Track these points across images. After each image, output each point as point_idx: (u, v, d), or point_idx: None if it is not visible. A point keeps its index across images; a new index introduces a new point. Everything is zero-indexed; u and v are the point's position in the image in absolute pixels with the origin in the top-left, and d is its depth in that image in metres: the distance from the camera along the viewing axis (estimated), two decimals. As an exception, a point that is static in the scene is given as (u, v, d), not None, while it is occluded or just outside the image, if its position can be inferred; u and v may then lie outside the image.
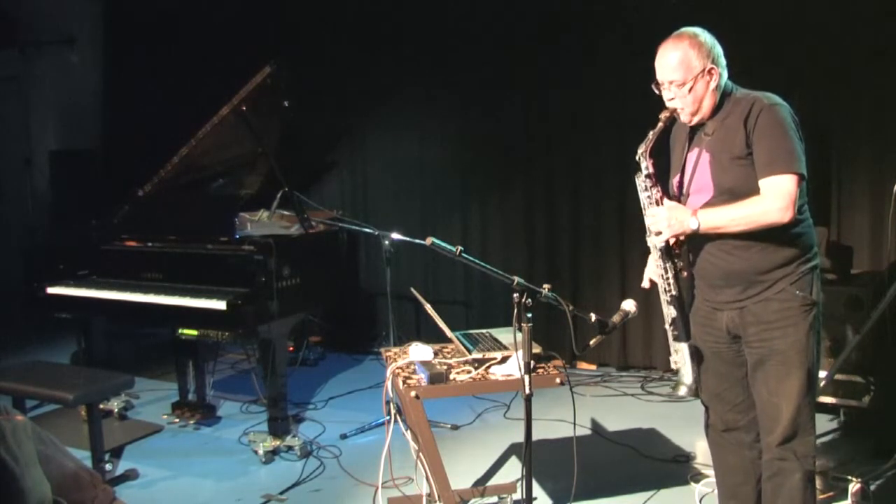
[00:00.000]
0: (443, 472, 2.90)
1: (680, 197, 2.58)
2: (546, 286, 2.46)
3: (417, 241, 3.18)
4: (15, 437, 1.84)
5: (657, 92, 2.52)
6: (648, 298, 4.13)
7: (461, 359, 2.94)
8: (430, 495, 3.12)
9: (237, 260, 3.84)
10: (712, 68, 2.43)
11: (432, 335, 3.38)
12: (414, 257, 5.62)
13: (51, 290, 4.24)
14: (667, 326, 2.62)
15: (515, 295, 2.40)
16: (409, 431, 3.14)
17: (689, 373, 2.59)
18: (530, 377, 2.40)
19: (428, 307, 3.05)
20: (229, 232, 3.96)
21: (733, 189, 2.41)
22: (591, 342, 2.56)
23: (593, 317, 2.54)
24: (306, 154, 5.97)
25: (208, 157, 4.22)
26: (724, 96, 2.48)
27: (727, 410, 2.65)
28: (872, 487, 3.21)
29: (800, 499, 2.46)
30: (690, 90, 2.43)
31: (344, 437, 4.15)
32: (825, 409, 3.94)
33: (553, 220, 5.36)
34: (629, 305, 2.61)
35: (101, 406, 3.85)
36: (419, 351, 3.01)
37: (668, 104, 2.50)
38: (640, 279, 2.76)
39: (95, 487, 2.12)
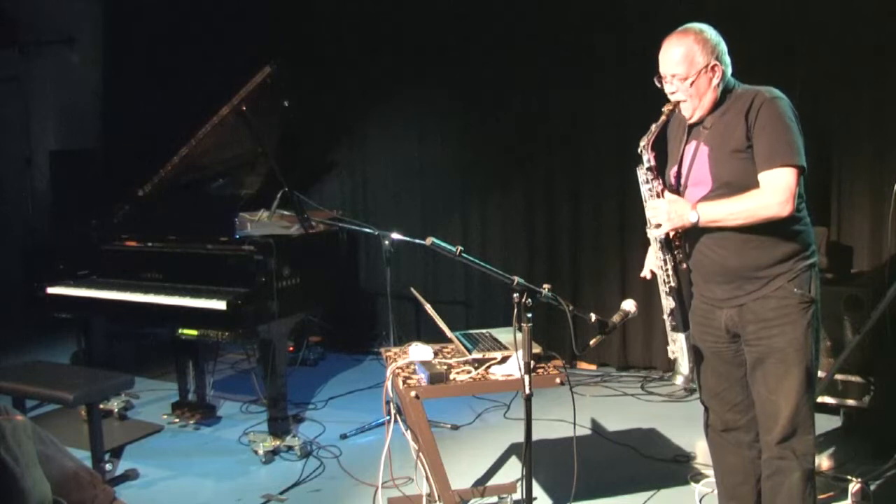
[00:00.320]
0: (443, 472, 2.90)
1: (678, 189, 2.58)
2: (546, 286, 2.46)
3: (417, 241, 3.19)
4: (15, 437, 1.84)
5: (659, 85, 2.52)
6: (648, 298, 4.16)
7: (461, 359, 2.94)
8: (430, 495, 3.12)
9: (237, 260, 3.84)
10: (716, 65, 2.43)
11: (432, 335, 3.38)
12: (414, 257, 5.62)
13: (51, 290, 4.23)
14: (665, 317, 2.62)
15: (515, 295, 2.40)
16: (409, 431, 3.14)
17: (685, 363, 2.60)
18: (530, 377, 2.40)
19: (428, 307, 3.05)
20: (229, 232, 3.96)
21: (731, 182, 2.41)
22: (591, 342, 2.56)
23: (593, 317, 2.55)
24: (306, 154, 5.97)
25: (208, 157, 4.22)
26: (725, 92, 2.48)
27: (726, 410, 2.65)
28: (872, 487, 3.21)
29: (799, 497, 2.46)
30: (693, 85, 2.44)
31: (344, 437, 4.15)
32: (825, 409, 3.94)
33: (553, 220, 5.36)
34: (629, 305, 2.61)
35: (101, 406, 3.84)
36: (419, 351, 3.01)
37: (669, 97, 2.50)
38: (641, 279, 2.77)
39: (95, 487, 2.12)
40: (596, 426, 4.23)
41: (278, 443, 3.89)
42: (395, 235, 4.20)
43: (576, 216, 5.28)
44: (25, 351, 5.47)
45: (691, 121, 2.54)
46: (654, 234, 2.56)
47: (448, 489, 2.93)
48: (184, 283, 3.94)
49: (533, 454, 2.47)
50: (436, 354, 3.03)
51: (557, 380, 2.79)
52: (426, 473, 3.00)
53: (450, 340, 3.12)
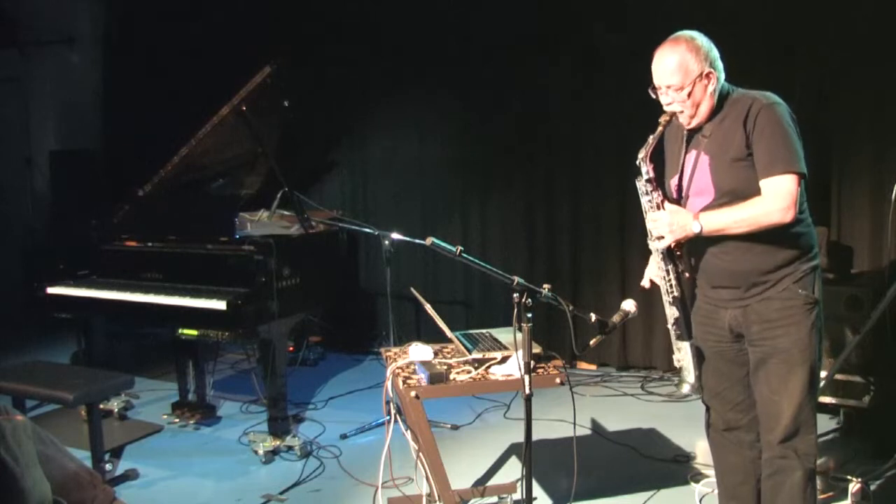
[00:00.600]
0: (443, 472, 2.90)
1: (679, 199, 2.57)
2: (546, 286, 2.46)
3: (417, 241, 3.19)
4: (15, 437, 1.84)
5: (654, 97, 2.51)
6: (648, 298, 4.14)
7: (461, 359, 2.94)
8: (430, 495, 3.12)
9: (237, 260, 3.84)
10: (710, 72, 2.42)
11: (432, 335, 3.38)
12: (414, 257, 5.61)
13: (51, 290, 4.23)
14: (669, 326, 2.62)
15: (515, 295, 2.40)
16: (409, 431, 3.14)
17: (692, 371, 2.60)
18: (530, 377, 2.40)
19: (428, 307, 3.05)
20: (229, 232, 3.96)
21: (734, 191, 2.40)
22: (591, 342, 2.56)
23: (593, 317, 2.55)
24: (306, 154, 5.97)
25: (208, 157, 4.22)
26: (721, 98, 2.47)
27: (728, 410, 2.65)
28: (872, 487, 3.21)
29: (800, 497, 2.46)
30: (689, 94, 2.42)
31: (344, 437, 4.15)
32: (825, 409, 3.94)
33: (553, 220, 5.36)
34: (629, 305, 2.61)
35: (101, 406, 3.84)
36: (419, 351, 3.01)
37: (666, 108, 2.49)
38: (640, 279, 2.76)
39: (95, 487, 2.12)
40: (596, 426, 4.23)
41: (278, 443, 3.89)
42: (395, 235, 4.20)
43: (576, 216, 5.28)
44: (25, 351, 5.47)
45: (690, 128, 2.53)
46: (656, 247, 2.55)
47: (448, 489, 2.93)
48: (184, 283, 3.94)
49: (533, 454, 2.47)
50: (436, 354, 3.03)
51: (557, 380, 2.79)
52: (426, 473, 3.00)
53: (450, 340, 3.12)
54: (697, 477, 3.51)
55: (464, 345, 3.05)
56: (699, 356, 2.62)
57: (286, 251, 3.87)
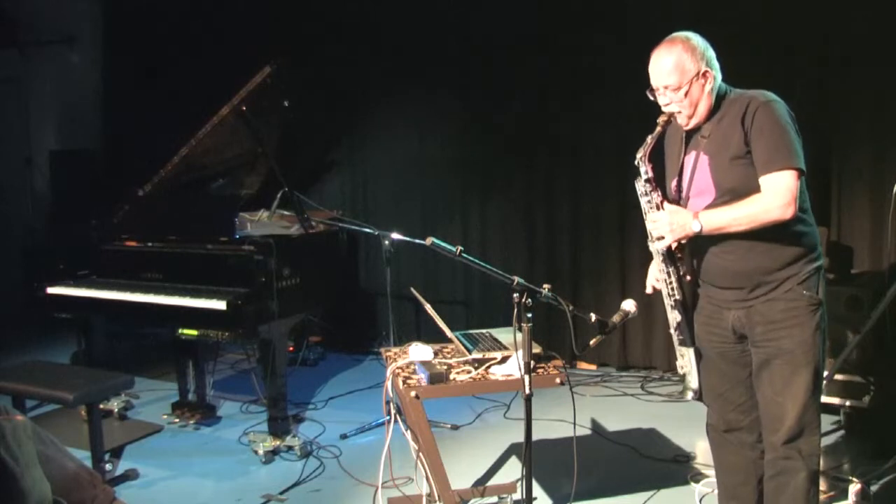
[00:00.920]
0: (443, 472, 2.90)
1: (679, 200, 2.57)
2: (546, 286, 2.46)
3: (417, 241, 3.19)
4: (15, 437, 1.84)
5: (652, 98, 2.51)
6: (648, 298, 4.11)
7: (461, 359, 2.94)
8: (430, 495, 3.12)
9: (237, 260, 3.84)
10: (707, 71, 2.43)
11: (432, 335, 3.38)
12: (414, 257, 5.61)
13: (51, 290, 4.23)
14: (672, 331, 2.61)
15: (515, 295, 2.40)
16: (409, 431, 3.14)
17: (695, 377, 2.59)
18: (530, 377, 2.40)
19: (428, 307, 3.05)
20: (229, 232, 3.96)
21: (735, 189, 2.40)
22: (591, 342, 2.56)
23: (593, 317, 2.55)
24: (306, 154, 5.97)
25: (208, 157, 4.22)
26: (718, 98, 2.47)
27: (729, 410, 2.65)
28: (873, 487, 3.21)
29: (803, 498, 2.46)
30: (686, 94, 2.43)
31: (344, 437, 4.15)
32: (825, 409, 3.91)
33: (553, 220, 5.36)
34: (629, 305, 2.61)
35: (101, 406, 3.84)
36: (419, 351, 3.01)
37: (664, 109, 2.49)
38: (641, 279, 2.77)
39: (95, 487, 2.12)
40: (596, 426, 4.23)
41: (278, 443, 3.89)
42: (395, 235, 4.20)
43: (576, 216, 5.28)
44: (25, 351, 5.47)
45: (688, 128, 2.53)
46: (656, 248, 2.55)
47: (448, 489, 2.93)
48: (184, 283, 3.94)
49: (533, 454, 2.47)
50: (436, 354, 3.03)
51: (557, 380, 2.79)
52: (426, 473, 3.00)
53: (450, 340, 3.12)
54: (697, 477, 3.51)
55: (464, 345, 3.05)
56: (699, 354, 2.62)
57: (286, 251, 3.87)
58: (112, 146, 6.85)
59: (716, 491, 2.89)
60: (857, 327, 3.70)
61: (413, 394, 2.72)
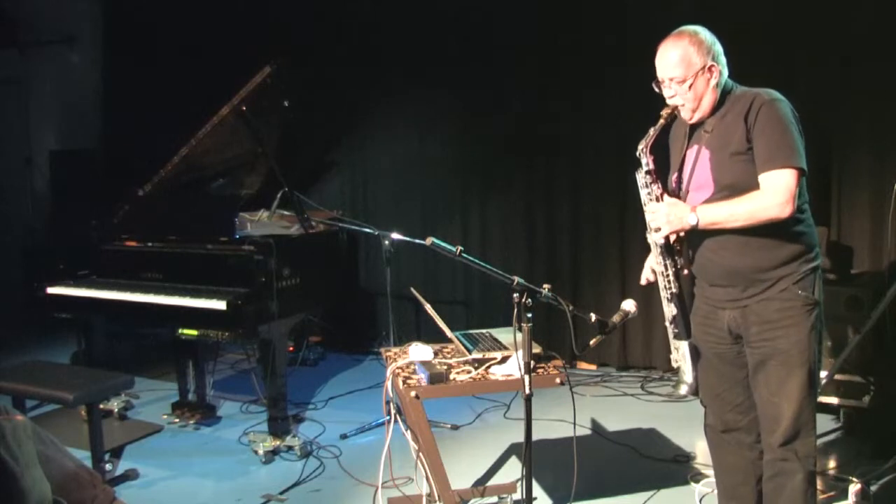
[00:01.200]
0: (443, 472, 2.90)
1: (679, 194, 2.57)
2: (546, 286, 2.46)
3: (417, 241, 3.19)
4: (15, 437, 1.84)
5: (657, 90, 2.52)
6: (648, 298, 4.16)
7: (461, 359, 2.94)
8: (430, 495, 3.12)
9: (237, 260, 3.84)
10: (712, 65, 2.43)
11: (432, 335, 3.38)
12: (414, 257, 5.61)
13: (51, 290, 4.23)
14: (667, 324, 2.62)
15: (515, 295, 2.40)
16: (409, 431, 3.14)
17: (689, 371, 2.59)
18: (530, 377, 2.40)
19: (428, 307, 3.05)
20: (229, 232, 3.96)
21: (734, 185, 2.40)
22: (591, 342, 2.56)
23: (593, 317, 2.54)
24: (306, 154, 5.97)
25: (208, 157, 4.22)
26: (724, 94, 2.48)
27: (727, 411, 2.65)
28: (872, 487, 3.21)
29: (801, 499, 2.46)
30: (691, 87, 2.44)
31: (344, 437, 4.15)
32: (825, 409, 3.94)
33: (553, 220, 5.36)
34: (629, 305, 2.61)
35: (101, 406, 3.84)
36: (419, 351, 3.01)
37: (668, 101, 2.50)
38: (640, 279, 2.76)
39: (95, 487, 2.12)
40: (596, 426, 4.23)
41: (278, 443, 3.89)
42: (395, 235, 4.20)
43: (576, 216, 5.28)
44: (25, 351, 5.47)
45: (691, 122, 2.53)
46: (654, 239, 2.56)
47: (448, 489, 2.93)
48: (184, 283, 3.94)
49: (533, 454, 2.47)
50: (436, 354, 3.03)
51: (557, 380, 2.79)
52: (426, 473, 3.00)
53: (450, 340, 3.12)
54: (697, 477, 3.51)
55: (464, 345, 3.05)
56: (696, 356, 2.62)
57: (286, 251, 3.87)
58: (112, 146, 6.84)
59: (715, 491, 2.89)
60: (857, 327, 3.70)
61: (413, 394, 2.72)
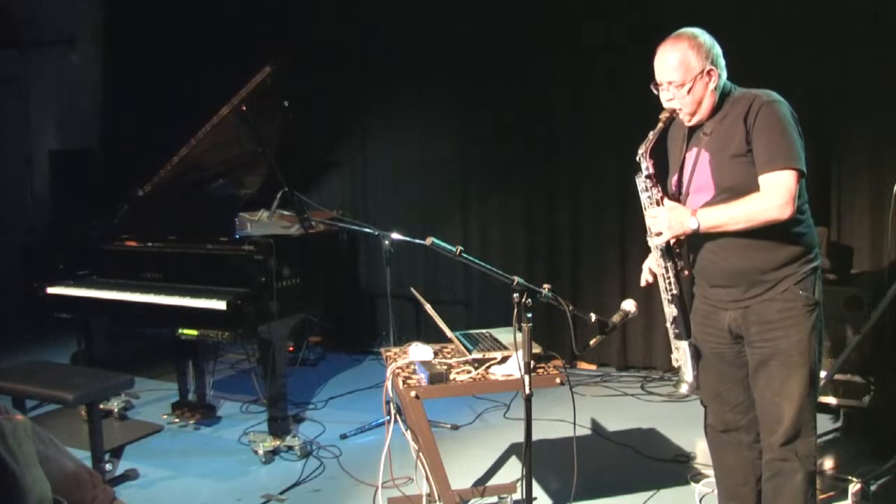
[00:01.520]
0: (443, 472, 2.90)
1: (679, 197, 2.57)
2: (546, 286, 2.46)
3: (417, 241, 3.19)
4: (15, 436, 1.84)
5: (656, 92, 2.52)
6: (649, 298, 4.16)
7: (461, 359, 2.94)
8: (430, 495, 3.12)
9: (237, 260, 3.84)
10: (711, 69, 2.43)
11: (432, 335, 3.38)
12: (414, 257, 5.61)
13: (51, 290, 4.23)
14: (668, 325, 2.61)
15: (515, 295, 2.40)
16: (409, 431, 3.14)
17: (689, 371, 2.59)
18: (530, 377, 2.40)
19: (428, 307, 3.05)
20: (229, 232, 3.96)
21: (734, 187, 2.40)
22: (591, 342, 2.56)
23: (593, 317, 2.54)
24: (306, 154, 5.97)
25: (208, 157, 4.22)
26: (723, 96, 2.48)
27: (727, 411, 2.65)
28: (872, 487, 3.21)
29: (801, 499, 2.46)
30: (689, 91, 2.43)
31: (344, 437, 4.15)
32: (825, 409, 3.94)
33: (553, 219, 5.36)
34: (629, 305, 2.61)
35: (101, 406, 3.84)
36: (419, 351, 3.01)
37: (666, 105, 2.49)
38: (640, 279, 2.76)
39: (95, 487, 2.12)
40: (596, 426, 4.23)
41: (278, 443, 3.89)
42: (395, 235, 4.20)
43: (576, 216, 5.28)
44: (25, 351, 5.46)
45: (690, 125, 2.53)
46: (654, 243, 2.55)
47: (448, 489, 2.93)
48: (184, 283, 3.94)
49: (533, 454, 2.47)
50: (436, 354, 3.03)
51: (557, 380, 2.79)
52: (426, 473, 3.00)
53: (450, 340, 3.12)
54: (697, 477, 3.51)
55: (464, 345, 3.05)
56: (697, 355, 2.62)
57: (286, 251, 3.87)
58: (112, 146, 6.84)
59: (715, 491, 2.89)
60: (857, 327, 3.70)
61: (413, 394, 2.72)
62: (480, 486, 3.40)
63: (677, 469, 3.63)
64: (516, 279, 2.41)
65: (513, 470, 3.66)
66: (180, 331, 4.14)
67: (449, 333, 3.06)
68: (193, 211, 4.13)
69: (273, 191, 4.21)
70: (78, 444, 3.51)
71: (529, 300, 2.39)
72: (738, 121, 2.40)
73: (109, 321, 4.62)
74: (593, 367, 5.33)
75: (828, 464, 3.55)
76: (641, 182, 2.53)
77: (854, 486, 3.07)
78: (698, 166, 2.50)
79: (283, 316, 3.84)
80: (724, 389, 2.63)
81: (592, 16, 5.04)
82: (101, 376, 3.69)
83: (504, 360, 2.90)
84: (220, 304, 3.69)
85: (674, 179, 2.61)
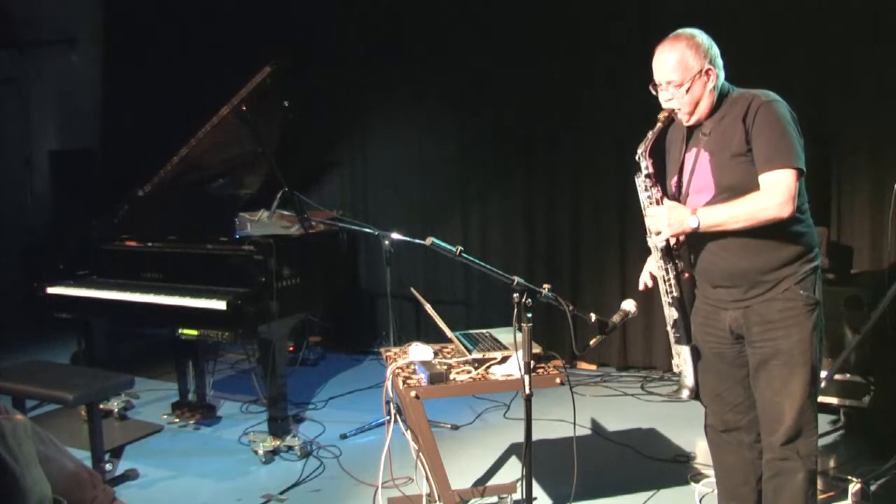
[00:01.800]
0: (443, 472, 2.90)
1: (679, 197, 2.57)
2: (546, 286, 2.46)
3: (417, 241, 3.19)
4: (15, 436, 1.84)
5: (654, 93, 2.52)
6: (649, 299, 4.14)
7: (461, 359, 2.94)
8: (430, 495, 3.12)
9: (237, 260, 3.84)
10: (709, 69, 2.43)
11: (432, 335, 3.38)
12: (414, 257, 5.61)
13: (51, 290, 4.23)
14: (668, 329, 2.61)
15: (515, 295, 2.40)
16: (409, 431, 3.14)
17: (690, 375, 2.59)
18: (530, 377, 2.40)
19: (428, 307, 3.05)
20: (229, 232, 3.96)
21: (734, 187, 2.40)
22: (591, 342, 2.56)
23: (593, 317, 2.54)
24: (306, 154, 5.97)
25: (208, 157, 4.22)
26: (721, 97, 2.48)
27: (727, 411, 2.65)
28: (872, 487, 3.21)
29: (802, 499, 2.46)
30: (688, 91, 2.43)
31: (344, 437, 4.15)
32: (825, 409, 3.94)
33: (553, 220, 5.36)
34: (629, 305, 2.61)
35: (101, 406, 3.84)
36: (419, 351, 3.01)
37: (664, 105, 2.50)
38: (639, 284, 2.76)
39: (95, 487, 2.12)
40: (596, 426, 4.23)
41: (278, 443, 3.89)
42: (395, 235, 4.20)
43: (576, 216, 5.28)
44: (25, 351, 5.47)
45: (689, 124, 2.53)
46: (654, 243, 2.55)
47: (448, 489, 2.93)
48: (184, 283, 3.94)
49: (533, 454, 2.47)
50: (436, 354, 3.03)
51: (557, 380, 2.79)
52: (426, 473, 3.00)
53: (450, 340, 3.12)
54: (697, 477, 3.51)
55: (464, 345, 3.05)
56: (698, 360, 2.62)
57: (286, 251, 3.87)
58: (112, 146, 6.84)
59: (715, 491, 2.89)
60: (857, 327, 3.70)
61: (413, 394, 2.72)
62: (480, 486, 3.40)
63: (677, 469, 3.63)
64: (516, 279, 2.41)
65: (513, 470, 3.66)
66: (180, 331, 4.14)
67: (449, 333, 3.06)
68: (193, 211, 4.14)
69: (273, 191, 4.21)
70: (78, 444, 3.51)
71: (529, 300, 2.39)
72: (737, 121, 2.40)
73: (109, 321, 4.62)
74: (593, 367, 5.33)
75: (828, 464, 3.55)
76: (641, 181, 2.53)
77: (854, 486, 3.07)
78: (698, 166, 2.50)
79: (283, 316, 3.84)
80: (724, 389, 2.63)
81: (592, 16, 5.05)
82: (101, 376, 3.69)
83: (504, 360, 2.90)
84: (220, 304, 3.69)
85: (673, 180, 2.61)
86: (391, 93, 5.76)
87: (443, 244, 2.41)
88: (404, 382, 2.82)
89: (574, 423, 2.86)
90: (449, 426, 4.27)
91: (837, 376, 3.79)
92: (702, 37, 2.46)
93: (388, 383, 2.90)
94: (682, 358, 2.61)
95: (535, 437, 2.57)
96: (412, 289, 3.28)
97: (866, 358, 3.79)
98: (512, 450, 3.89)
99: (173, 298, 3.87)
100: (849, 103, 4.33)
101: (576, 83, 5.14)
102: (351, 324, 6.00)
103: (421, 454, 3.03)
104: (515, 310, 2.41)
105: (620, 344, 5.18)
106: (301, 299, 3.99)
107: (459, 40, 5.48)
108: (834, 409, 3.96)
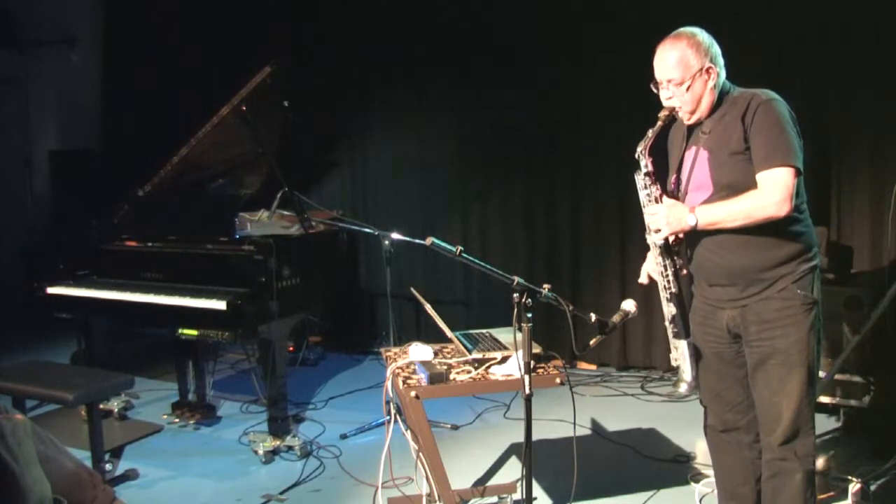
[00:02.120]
0: (443, 472, 2.90)
1: (678, 195, 2.58)
2: (546, 286, 2.46)
3: (417, 241, 3.19)
4: (15, 436, 1.84)
5: (655, 91, 2.52)
6: (648, 298, 4.16)
7: (461, 359, 2.94)
8: (430, 495, 3.12)
9: (237, 260, 3.84)
10: (710, 67, 2.44)
11: (432, 335, 3.38)
12: (414, 257, 5.62)
13: (51, 290, 4.24)
14: (666, 324, 2.62)
15: (515, 295, 2.40)
16: (409, 431, 3.14)
17: (688, 370, 2.60)
18: (530, 377, 2.40)
19: (428, 307, 3.05)
20: (229, 232, 3.96)
21: (732, 185, 2.41)
22: (591, 342, 2.56)
23: (593, 317, 2.54)
24: (306, 154, 5.97)
25: (208, 156, 4.22)
26: (722, 95, 2.49)
27: (726, 411, 2.65)
28: (872, 487, 3.21)
29: (801, 498, 2.46)
30: (689, 89, 2.44)
31: (344, 437, 4.15)
32: (825, 409, 3.94)
33: (553, 220, 5.36)
34: (629, 305, 2.61)
35: (101, 406, 3.84)
36: (419, 351, 3.01)
37: (665, 103, 2.50)
38: (640, 279, 2.76)
39: (95, 487, 2.12)
40: (596, 426, 4.23)
41: (278, 443, 3.89)
42: (395, 235, 4.20)
43: (576, 216, 5.28)
44: (25, 351, 5.47)
45: (689, 123, 2.54)
46: (653, 240, 2.56)
47: (448, 489, 2.93)
48: (184, 283, 3.94)
49: (533, 454, 2.47)
50: (436, 354, 3.03)
51: (557, 380, 2.79)
52: (426, 473, 3.00)
53: (450, 340, 3.12)
54: (697, 477, 3.51)
55: (464, 345, 3.05)
56: (696, 354, 2.62)
57: (286, 251, 3.87)
58: (112, 146, 6.84)
59: (715, 491, 2.89)
60: (856, 327, 3.70)
61: (413, 394, 2.72)
62: (480, 486, 3.40)
63: (677, 469, 3.63)
64: (516, 279, 2.41)
65: (513, 470, 3.66)
66: (180, 331, 4.14)
67: (449, 333, 3.06)
68: (193, 211, 4.14)
69: (273, 191, 4.21)
70: (78, 444, 3.50)
71: (529, 300, 2.39)
72: (737, 119, 2.41)
73: (109, 321, 4.62)
74: (593, 367, 5.33)
75: (828, 464, 3.54)
76: (640, 179, 2.54)
77: (854, 486, 3.07)
78: (697, 164, 2.51)
79: (283, 316, 3.84)
80: (723, 389, 2.64)
81: (592, 16, 5.05)
82: (101, 376, 3.69)
83: (504, 360, 2.90)
84: (220, 304, 3.69)
85: (673, 178, 2.62)
86: (391, 93, 5.76)
87: (443, 244, 2.41)
88: (404, 382, 2.82)
89: (574, 423, 2.86)
90: (449, 426, 4.27)
91: (837, 376, 3.78)
92: (702, 35, 2.47)
93: (388, 383, 2.91)
94: (679, 352, 2.61)
95: (535, 437, 2.57)
96: (412, 289, 3.28)
97: (866, 358, 3.79)
98: (512, 450, 3.89)
99: (173, 298, 3.87)
100: (849, 103, 4.33)
101: (576, 83, 5.14)
102: (351, 324, 5.99)
103: (421, 454, 3.03)
104: (515, 310, 2.40)
105: (620, 344, 5.18)
106: (301, 299, 3.99)
107: (459, 40, 5.48)
108: (834, 409, 3.96)
